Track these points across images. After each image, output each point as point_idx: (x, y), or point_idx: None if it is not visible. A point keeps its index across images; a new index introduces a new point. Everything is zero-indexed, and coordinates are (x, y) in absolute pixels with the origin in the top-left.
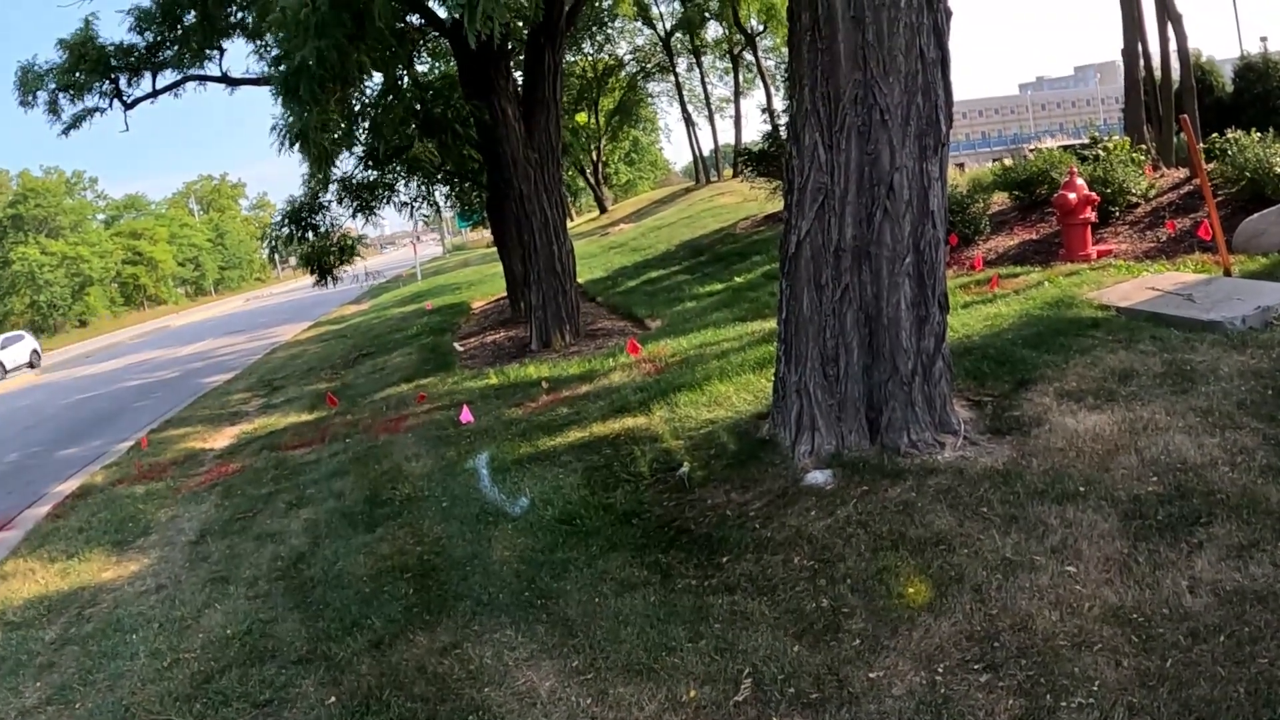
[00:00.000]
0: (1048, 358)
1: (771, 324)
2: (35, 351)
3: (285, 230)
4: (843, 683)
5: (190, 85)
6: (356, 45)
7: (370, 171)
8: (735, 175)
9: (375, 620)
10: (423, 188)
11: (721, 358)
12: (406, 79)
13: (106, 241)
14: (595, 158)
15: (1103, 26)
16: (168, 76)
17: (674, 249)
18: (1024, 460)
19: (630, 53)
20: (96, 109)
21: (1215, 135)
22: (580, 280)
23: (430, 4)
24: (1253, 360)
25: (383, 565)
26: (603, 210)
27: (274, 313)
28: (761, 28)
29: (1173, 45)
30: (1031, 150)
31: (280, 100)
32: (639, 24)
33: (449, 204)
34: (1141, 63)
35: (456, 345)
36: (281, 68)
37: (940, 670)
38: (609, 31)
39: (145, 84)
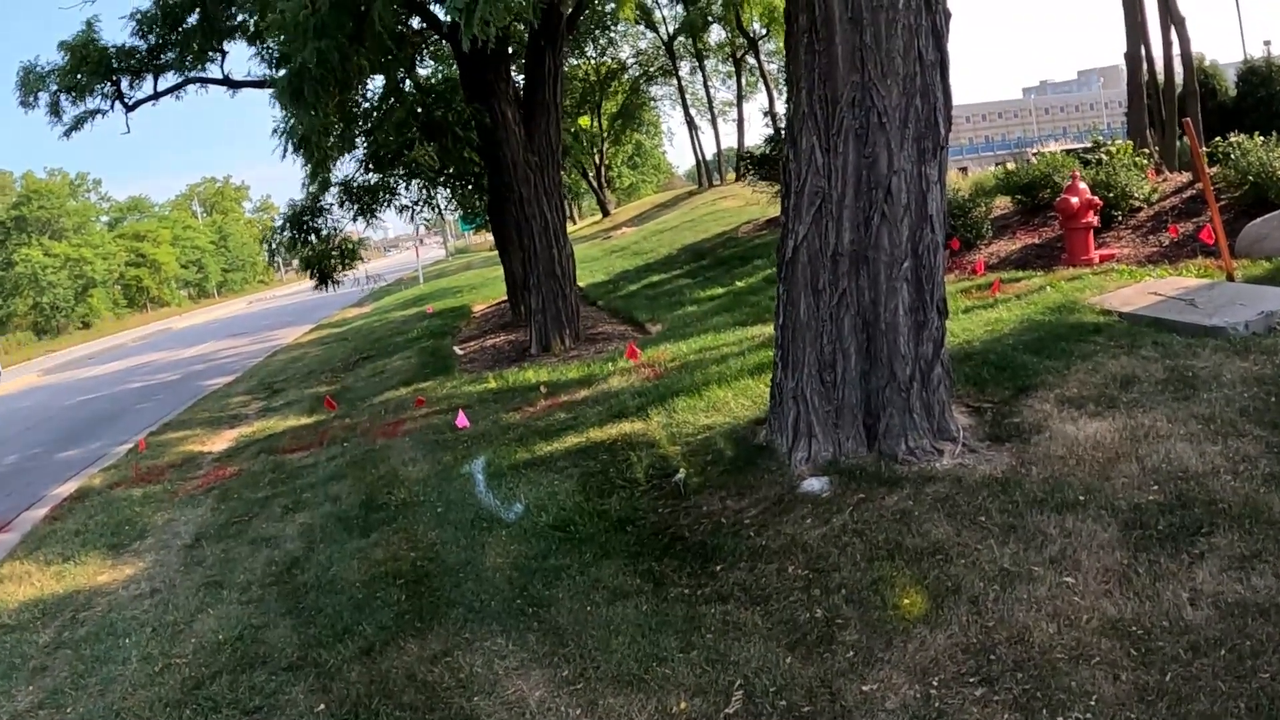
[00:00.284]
0: (1049, 364)
1: (772, 328)
2: None
3: (286, 234)
4: (835, 696)
5: (192, 88)
6: (356, 48)
7: (371, 175)
8: (738, 179)
9: (367, 627)
10: (423, 191)
11: (721, 362)
12: (408, 82)
13: (110, 243)
14: (598, 161)
15: (1106, 30)
16: (169, 79)
17: (676, 253)
18: (1023, 468)
19: (633, 56)
20: (98, 111)
21: (1218, 139)
22: (582, 284)
23: (432, 7)
24: (1255, 366)
25: (376, 571)
26: (605, 213)
27: (277, 315)
28: (764, 31)
29: (1176, 49)
30: (1034, 154)
31: (280, 103)
32: (641, 27)
33: (451, 207)
34: (1145, 67)
35: (456, 349)
36: (282, 71)
37: (935, 683)
38: (611, 35)
39: (147, 86)
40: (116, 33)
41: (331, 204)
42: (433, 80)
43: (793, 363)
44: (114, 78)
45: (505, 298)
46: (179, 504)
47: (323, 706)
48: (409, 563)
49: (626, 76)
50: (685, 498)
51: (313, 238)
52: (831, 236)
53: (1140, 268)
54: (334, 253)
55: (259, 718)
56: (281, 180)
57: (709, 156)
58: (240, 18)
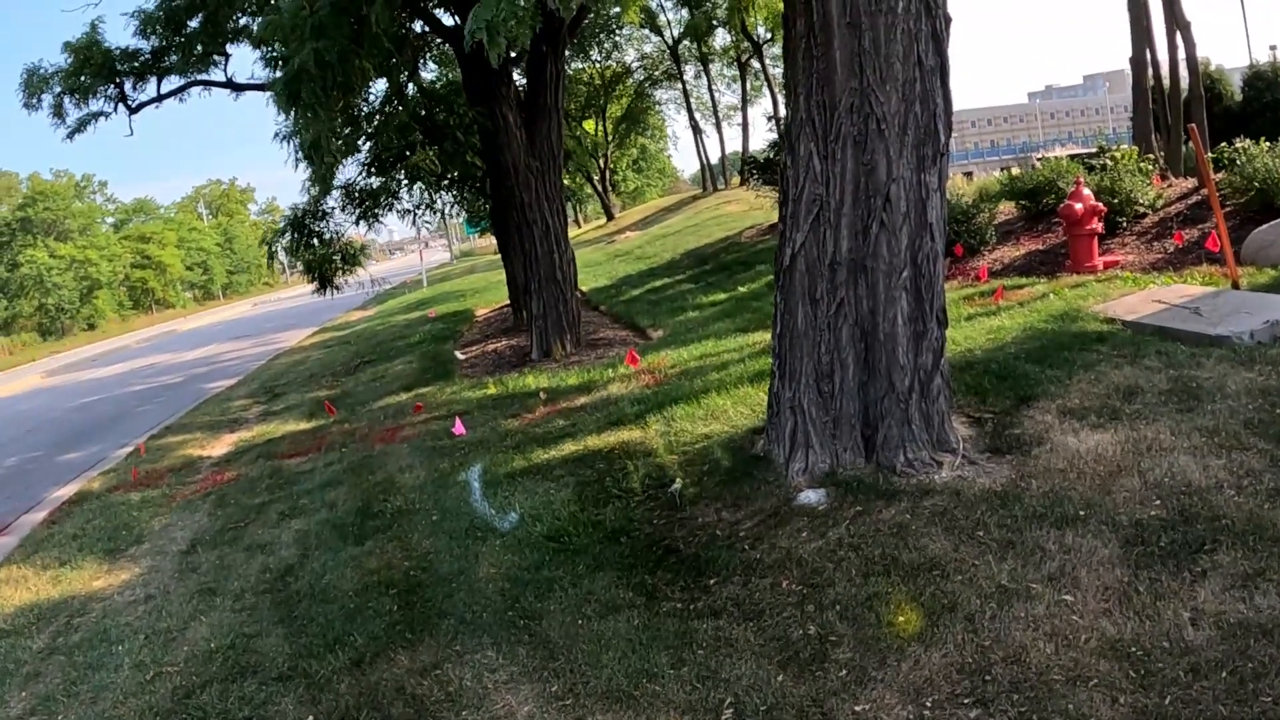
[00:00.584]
0: (1051, 373)
1: None
2: None
3: (287, 237)
4: (826, 716)
5: (195, 90)
6: (356, 50)
7: (373, 178)
8: (742, 183)
9: (358, 637)
10: (425, 195)
11: (721, 369)
12: (412, 85)
13: (115, 245)
14: (602, 165)
15: (1112, 35)
16: (173, 81)
17: (679, 257)
18: (1023, 482)
19: (638, 60)
20: (101, 113)
21: (1224, 144)
22: (584, 288)
23: (435, 11)
24: (1260, 377)
25: (369, 580)
26: (610, 217)
27: (281, 318)
28: (769, 35)
29: (1181, 54)
30: (1039, 159)
31: (278, 106)
32: (646, 31)
33: (454, 211)
34: (1150, 71)
35: (458, 353)
36: (279, 73)
37: (929, 704)
38: (616, 38)
39: (150, 88)
40: (119, 32)
41: (334, 208)
42: (436, 84)
43: (790, 372)
44: (117, 80)
45: (508, 301)
46: (177, 509)
47: (311, 718)
48: (402, 572)
49: (631, 80)
50: (681, 509)
51: (314, 241)
52: (830, 245)
53: (1145, 275)
54: (336, 256)
55: None
56: (287, 183)
57: (713, 160)
58: (243, 20)
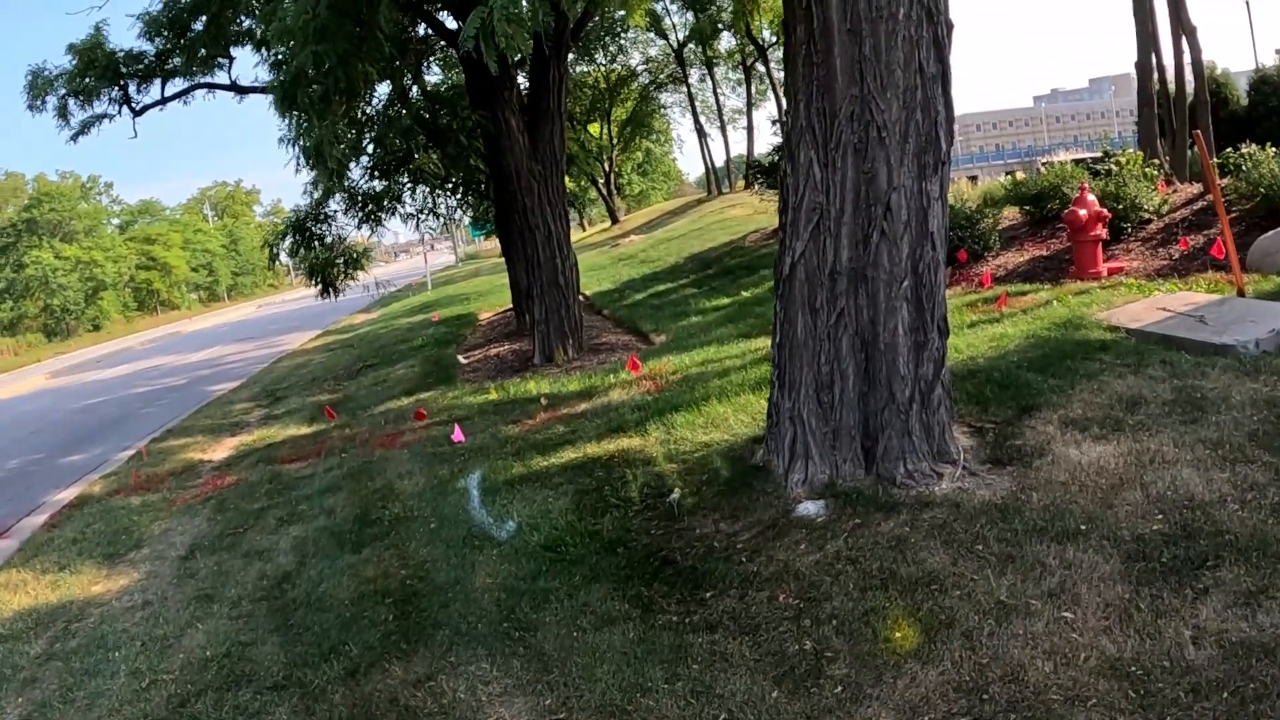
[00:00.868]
0: (1053, 382)
1: None
2: None
3: (289, 240)
4: None
5: (199, 93)
6: (358, 54)
7: (376, 182)
8: (746, 187)
9: (353, 647)
10: (428, 199)
11: (723, 376)
12: (415, 89)
13: (120, 246)
14: (607, 168)
15: (1118, 38)
16: (177, 84)
17: (682, 261)
18: (1024, 494)
19: (643, 63)
20: (105, 115)
21: (1229, 150)
22: (588, 293)
23: (438, 14)
24: (1266, 388)
25: (366, 589)
26: (614, 221)
27: (285, 320)
28: (774, 39)
29: (1187, 58)
30: (1043, 164)
31: (278, 109)
32: (651, 35)
33: (458, 214)
34: (1155, 75)
35: (460, 358)
36: (280, 76)
37: None
38: (621, 42)
39: (154, 91)
40: (123, 34)
41: (336, 211)
42: (440, 87)
43: (789, 382)
44: (121, 82)
45: (511, 305)
46: (176, 513)
47: None
48: (398, 580)
49: (636, 84)
50: (679, 519)
51: (316, 244)
52: (830, 254)
53: (1149, 281)
54: (339, 260)
55: None
56: (292, 184)
57: (718, 164)
58: (247, 23)
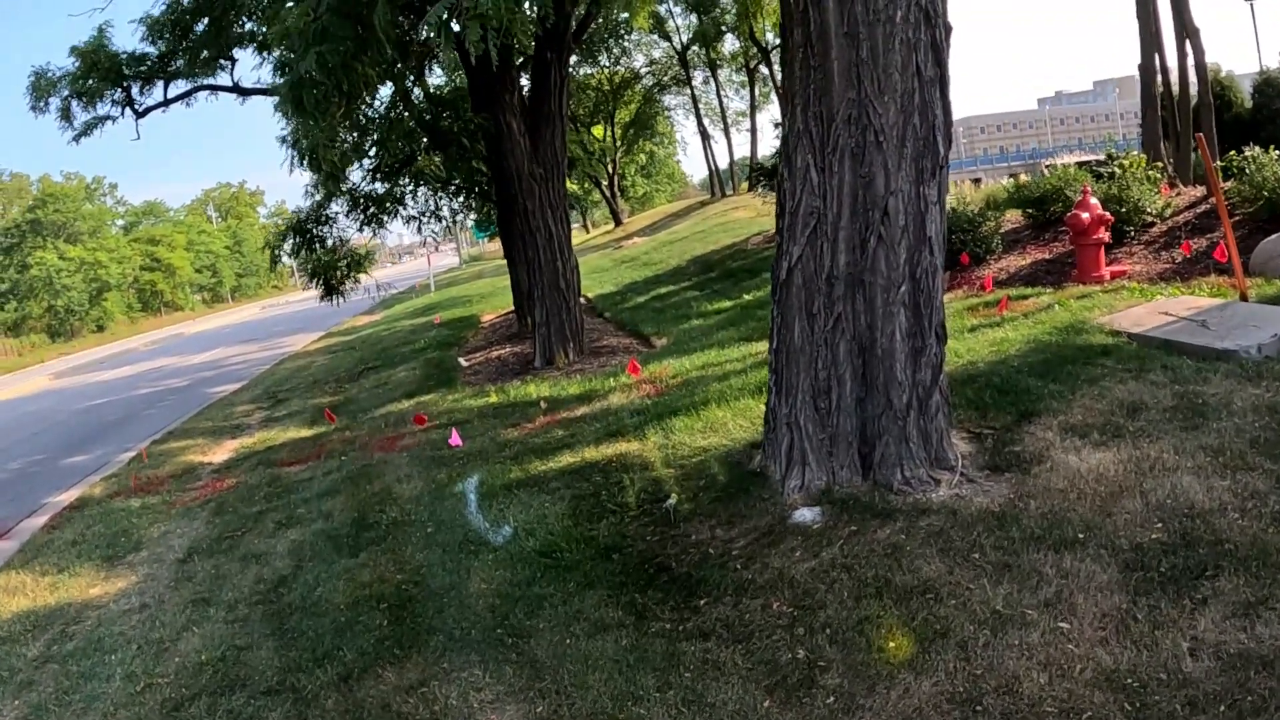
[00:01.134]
0: (1054, 388)
1: None
2: None
3: (289, 242)
4: None
5: (202, 95)
6: (360, 57)
7: (378, 184)
8: (750, 190)
9: (347, 652)
10: (430, 201)
11: (723, 380)
12: (418, 91)
13: (125, 247)
14: (611, 170)
15: (1122, 40)
16: (179, 86)
17: (685, 264)
18: (1021, 502)
19: (646, 65)
20: (108, 117)
21: (1233, 152)
22: (590, 295)
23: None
24: (1268, 393)
25: (361, 594)
26: (618, 223)
27: (288, 321)
28: (777, 41)
29: (1190, 60)
30: (1048, 166)
31: (282, 111)
32: (655, 37)
33: (462, 216)
34: (1159, 78)
35: (461, 360)
36: (284, 78)
37: None
38: (625, 44)
39: (157, 93)
40: (126, 36)
41: (337, 213)
42: (443, 89)
43: (787, 388)
44: (124, 84)
45: (513, 307)
46: (175, 516)
47: None
48: (394, 585)
49: (640, 86)
50: (675, 525)
51: (317, 247)
52: (827, 258)
53: (1152, 285)
54: (341, 263)
55: None
56: (296, 186)
57: (722, 167)
58: (249, 26)
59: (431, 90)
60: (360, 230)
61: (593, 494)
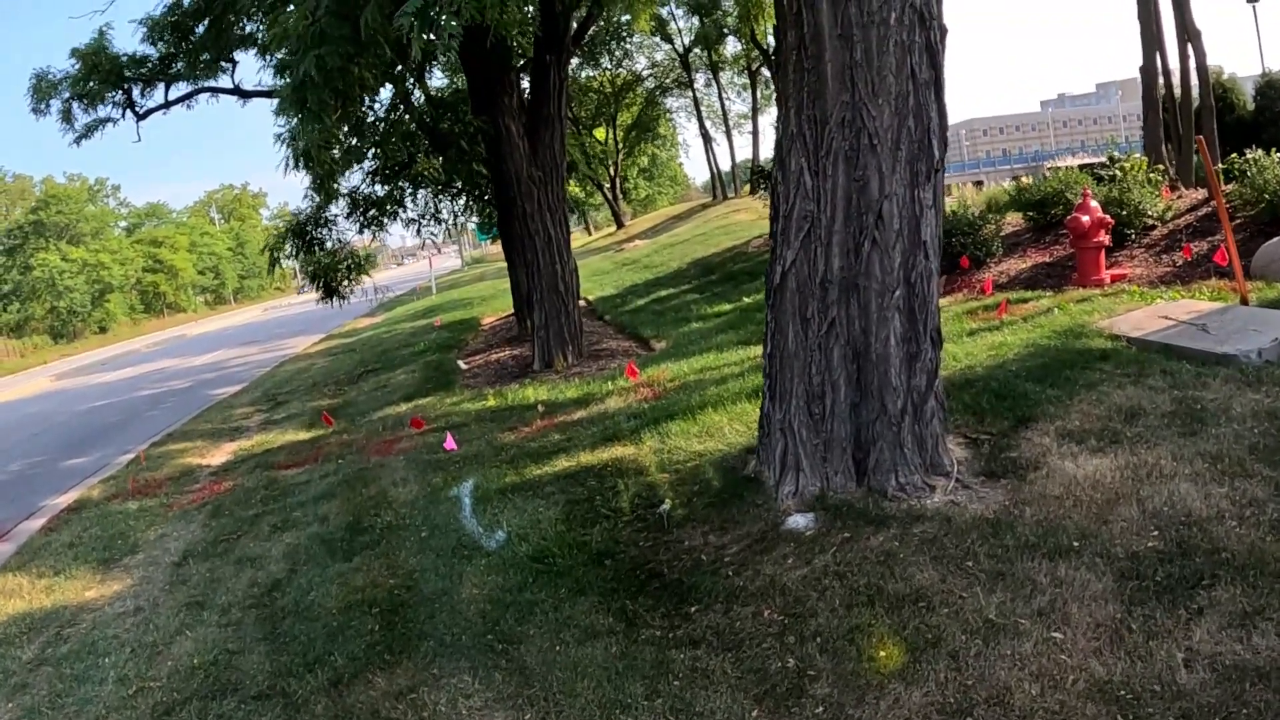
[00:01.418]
0: (1051, 393)
1: None
2: None
3: (288, 245)
4: None
5: (203, 97)
6: (357, 60)
7: (378, 186)
8: (751, 192)
9: (338, 657)
10: (430, 204)
11: (720, 384)
12: (418, 93)
13: (127, 249)
14: (613, 173)
15: (1125, 43)
16: (180, 88)
17: (686, 266)
18: (1016, 509)
19: (648, 68)
20: (109, 119)
21: (1234, 155)
22: (590, 298)
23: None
24: (1268, 399)
25: (353, 598)
26: (619, 225)
27: (289, 323)
28: None
29: (1192, 62)
30: (1049, 169)
31: (284, 113)
32: (657, 39)
33: (462, 219)
34: (1160, 80)
35: (461, 363)
36: (283, 80)
37: None
38: (627, 46)
39: (158, 95)
40: (127, 38)
41: (337, 215)
42: (444, 92)
43: (780, 393)
44: (125, 86)
45: (513, 310)
46: (172, 519)
47: None
48: (386, 590)
49: (642, 88)
50: (668, 531)
51: (317, 249)
52: (820, 263)
53: (1152, 289)
54: (341, 265)
55: None
56: (299, 187)
57: (724, 169)
58: (249, 28)
59: (432, 93)
60: (360, 233)
61: (587, 499)
